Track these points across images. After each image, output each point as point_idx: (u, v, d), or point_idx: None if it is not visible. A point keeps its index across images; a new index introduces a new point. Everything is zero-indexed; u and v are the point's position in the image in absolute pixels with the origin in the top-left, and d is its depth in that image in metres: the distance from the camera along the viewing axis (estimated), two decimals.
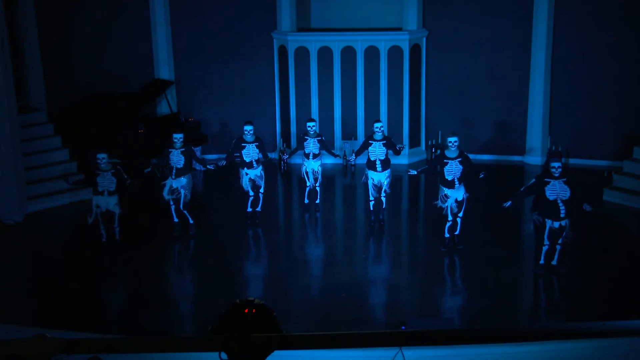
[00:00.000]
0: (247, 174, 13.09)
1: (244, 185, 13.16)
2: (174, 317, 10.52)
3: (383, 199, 12.84)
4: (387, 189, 12.76)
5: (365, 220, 13.58)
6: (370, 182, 12.73)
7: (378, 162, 12.54)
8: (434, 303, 10.79)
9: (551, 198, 10.60)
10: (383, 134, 12.72)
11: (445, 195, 11.68)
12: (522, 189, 11.19)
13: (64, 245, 12.99)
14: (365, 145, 12.73)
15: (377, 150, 12.55)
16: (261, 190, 13.23)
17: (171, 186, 12.56)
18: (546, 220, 10.74)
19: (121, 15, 16.87)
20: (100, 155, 11.84)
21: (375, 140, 12.58)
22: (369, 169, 12.68)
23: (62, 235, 13.43)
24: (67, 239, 13.24)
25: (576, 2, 16.03)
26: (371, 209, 12.95)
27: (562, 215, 10.60)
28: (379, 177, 12.66)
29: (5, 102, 13.25)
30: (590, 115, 16.29)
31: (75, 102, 15.97)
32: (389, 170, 12.69)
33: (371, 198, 12.83)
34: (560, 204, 10.56)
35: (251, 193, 13.21)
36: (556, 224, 10.70)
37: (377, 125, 12.67)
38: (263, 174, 13.17)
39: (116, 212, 12.00)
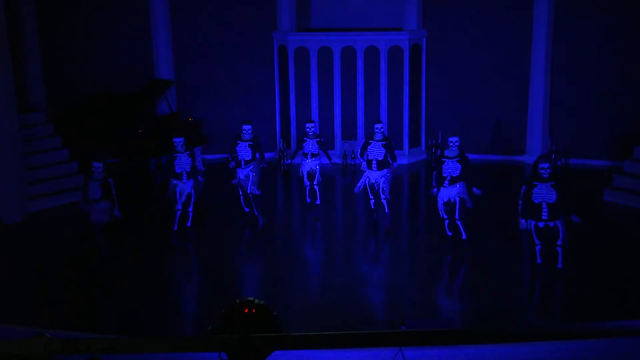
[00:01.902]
0: (236, 172, 13.10)
1: (234, 181, 13.16)
2: (174, 317, 10.51)
3: (384, 201, 12.76)
4: (387, 196, 12.67)
5: (365, 220, 13.59)
6: (366, 180, 12.71)
7: (374, 162, 12.51)
8: (434, 303, 10.78)
9: (536, 201, 10.59)
10: (383, 135, 12.70)
11: (434, 193, 11.68)
12: (520, 202, 10.97)
13: (64, 245, 12.98)
14: (365, 146, 12.72)
15: (375, 150, 12.53)
16: (248, 191, 13.07)
17: (181, 191, 12.51)
18: (529, 220, 10.73)
19: (121, 15, 16.87)
20: (96, 164, 11.67)
21: (374, 141, 12.57)
22: (367, 168, 12.67)
23: (62, 235, 13.43)
24: (67, 239, 13.23)
25: (576, 2, 16.04)
26: (372, 207, 12.94)
27: (544, 217, 10.58)
28: (375, 177, 12.62)
29: (5, 102, 13.26)
30: (590, 115, 16.29)
31: (75, 103, 15.96)
32: (385, 170, 12.59)
33: (371, 197, 12.83)
34: (544, 207, 10.55)
35: (240, 192, 13.16)
36: (540, 224, 10.68)
37: (377, 126, 12.66)
38: (252, 174, 12.98)
39: (101, 221, 11.82)
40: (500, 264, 11.64)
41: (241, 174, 13.06)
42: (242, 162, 12.99)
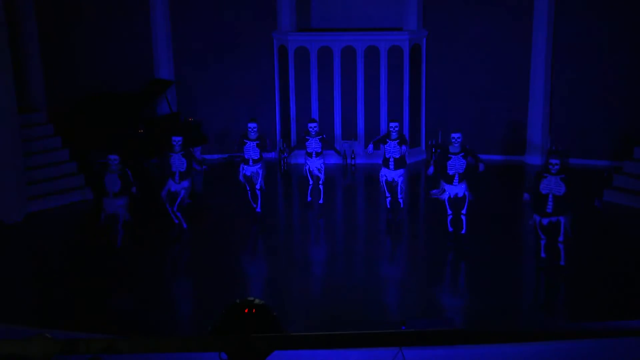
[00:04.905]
0: (243, 168, 13.20)
1: (240, 179, 13.30)
2: (174, 317, 10.51)
3: (400, 200, 12.81)
4: (401, 188, 12.70)
5: (365, 220, 13.58)
6: (383, 179, 12.74)
7: (391, 160, 12.56)
8: (434, 303, 10.78)
9: (544, 192, 10.62)
10: (398, 134, 12.68)
11: (443, 189, 11.69)
12: (527, 184, 11.10)
13: (64, 245, 12.98)
14: (382, 141, 12.76)
15: (391, 149, 12.57)
16: (257, 187, 13.23)
17: (169, 189, 12.54)
18: (534, 215, 10.76)
19: (121, 15, 16.86)
20: (112, 157, 11.76)
21: (391, 140, 12.60)
22: (383, 166, 12.70)
23: (62, 235, 13.42)
24: (67, 239, 13.23)
25: (576, 2, 16.03)
26: (388, 206, 12.93)
27: (548, 211, 10.59)
28: (392, 175, 12.66)
29: (5, 102, 13.25)
30: (590, 115, 16.29)
31: (75, 102, 15.96)
32: (402, 169, 12.66)
33: (387, 195, 12.82)
34: (550, 200, 10.56)
35: (247, 188, 13.29)
36: (544, 221, 10.68)
37: (392, 125, 12.67)
38: (260, 172, 13.17)
39: (120, 214, 11.89)
40: (500, 264, 11.63)
41: (248, 171, 13.11)
42: (250, 160, 13.04)
